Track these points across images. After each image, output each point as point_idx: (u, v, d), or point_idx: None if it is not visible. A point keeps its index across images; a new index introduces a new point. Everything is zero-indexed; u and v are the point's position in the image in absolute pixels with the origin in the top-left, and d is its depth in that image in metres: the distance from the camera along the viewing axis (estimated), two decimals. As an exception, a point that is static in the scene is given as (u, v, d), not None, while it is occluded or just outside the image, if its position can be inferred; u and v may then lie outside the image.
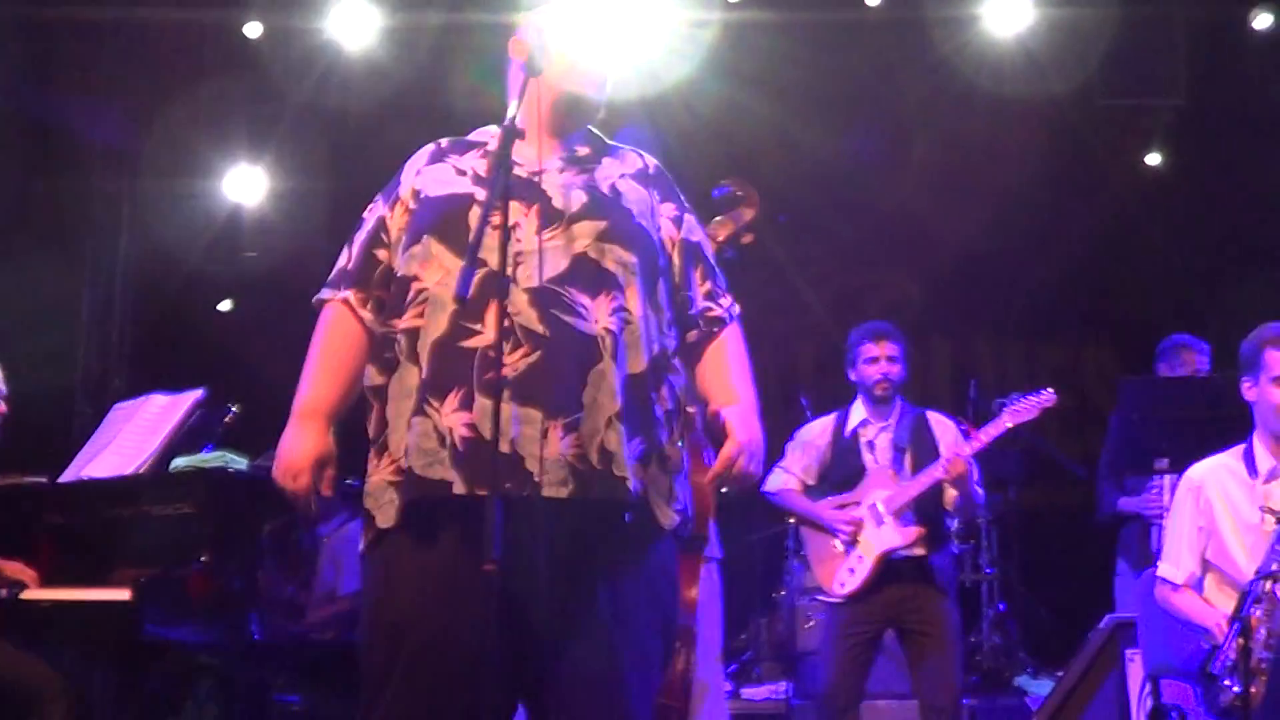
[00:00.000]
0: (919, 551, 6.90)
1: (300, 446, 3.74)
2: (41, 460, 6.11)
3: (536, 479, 3.43)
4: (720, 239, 5.60)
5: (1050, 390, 6.91)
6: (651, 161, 4.02)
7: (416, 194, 3.82)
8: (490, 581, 3.18)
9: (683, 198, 4.03)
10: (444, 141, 3.97)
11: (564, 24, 3.94)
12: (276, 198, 10.39)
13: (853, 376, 7.25)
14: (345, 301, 3.83)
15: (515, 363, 3.48)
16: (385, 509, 3.57)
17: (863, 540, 6.94)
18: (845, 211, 11.16)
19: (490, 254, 3.48)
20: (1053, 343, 11.99)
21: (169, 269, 10.37)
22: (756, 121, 10.11)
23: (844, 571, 6.98)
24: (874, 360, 7.14)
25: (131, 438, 5.71)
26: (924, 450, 6.98)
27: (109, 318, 10.58)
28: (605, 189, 3.81)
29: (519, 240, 3.57)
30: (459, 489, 3.44)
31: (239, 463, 5.55)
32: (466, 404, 3.47)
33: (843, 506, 7.03)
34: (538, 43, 3.73)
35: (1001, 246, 11.18)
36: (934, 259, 11.48)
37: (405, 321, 3.63)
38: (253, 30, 9.52)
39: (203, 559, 5.12)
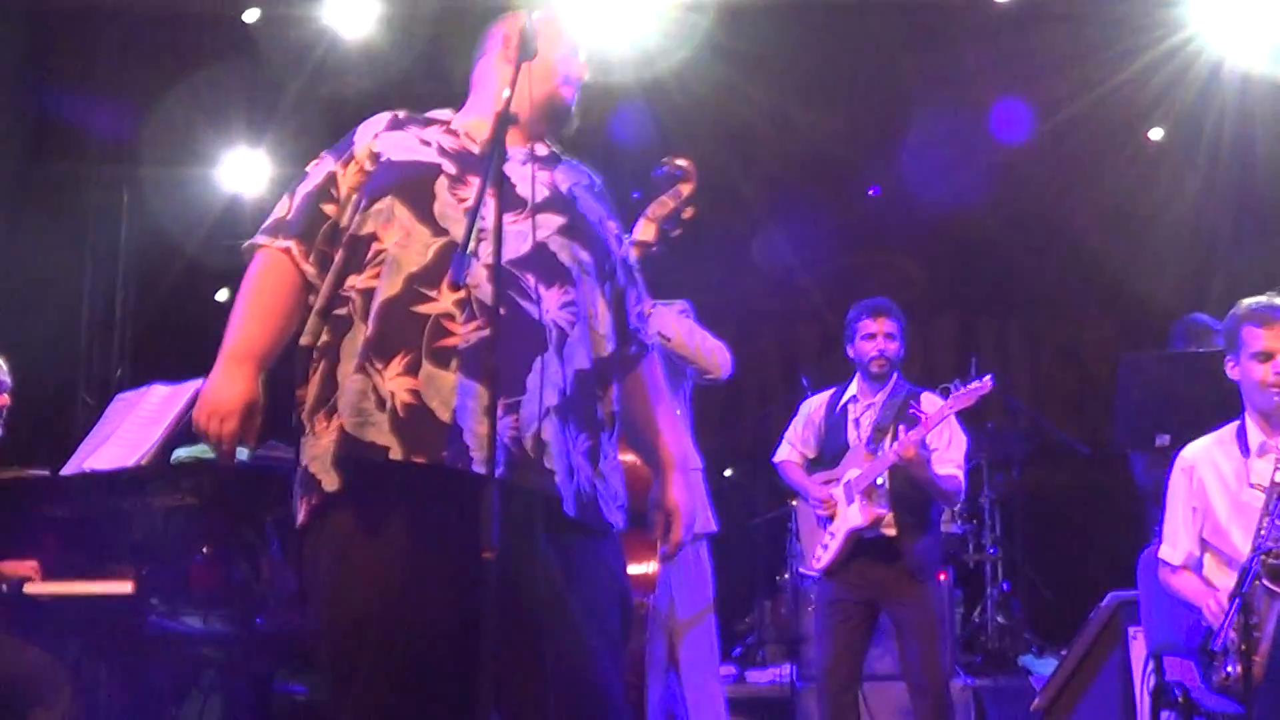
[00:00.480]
0: (888, 533, 6.90)
1: (230, 389, 3.62)
2: (46, 452, 6.12)
3: (471, 454, 3.43)
4: (661, 218, 5.65)
5: (989, 377, 6.91)
6: (596, 178, 4.07)
7: (375, 156, 3.80)
8: (488, 569, 3.17)
9: (618, 218, 4.09)
10: (401, 113, 3.97)
11: (552, 25, 3.98)
12: (276, 185, 10.39)
13: (851, 353, 7.26)
14: (287, 251, 3.75)
15: (467, 334, 3.48)
16: (330, 473, 3.51)
17: (836, 516, 6.98)
18: (844, 192, 11.15)
19: (455, 226, 3.54)
20: (1054, 320, 11.99)
21: (170, 257, 10.37)
22: (754, 103, 10.10)
23: (819, 546, 7.02)
24: (871, 336, 7.13)
25: (133, 429, 5.71)
26: (907, 428, 6.97)
27: (111, 307, 10.61)
28: (564, 190, 3.86)
29: (483, 217, 3.55)
30: (395, 454, 3.42)
31: (240, 453, 5.54)
32: (411, 369, 3.46)
33: (827, 483, 7.06)
34: (530, 34, 3.73)
35: (1002, 224, 11.18)
36: (935, 238, 11.49)
37: (362, 281, 3.61)
38: (251, 16, 9.50)
39: (205, 550, 5.13)
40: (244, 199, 10.53)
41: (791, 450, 7.34)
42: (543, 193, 3.78)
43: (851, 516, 6.90)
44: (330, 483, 3.51)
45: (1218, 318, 7.49)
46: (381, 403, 3.45)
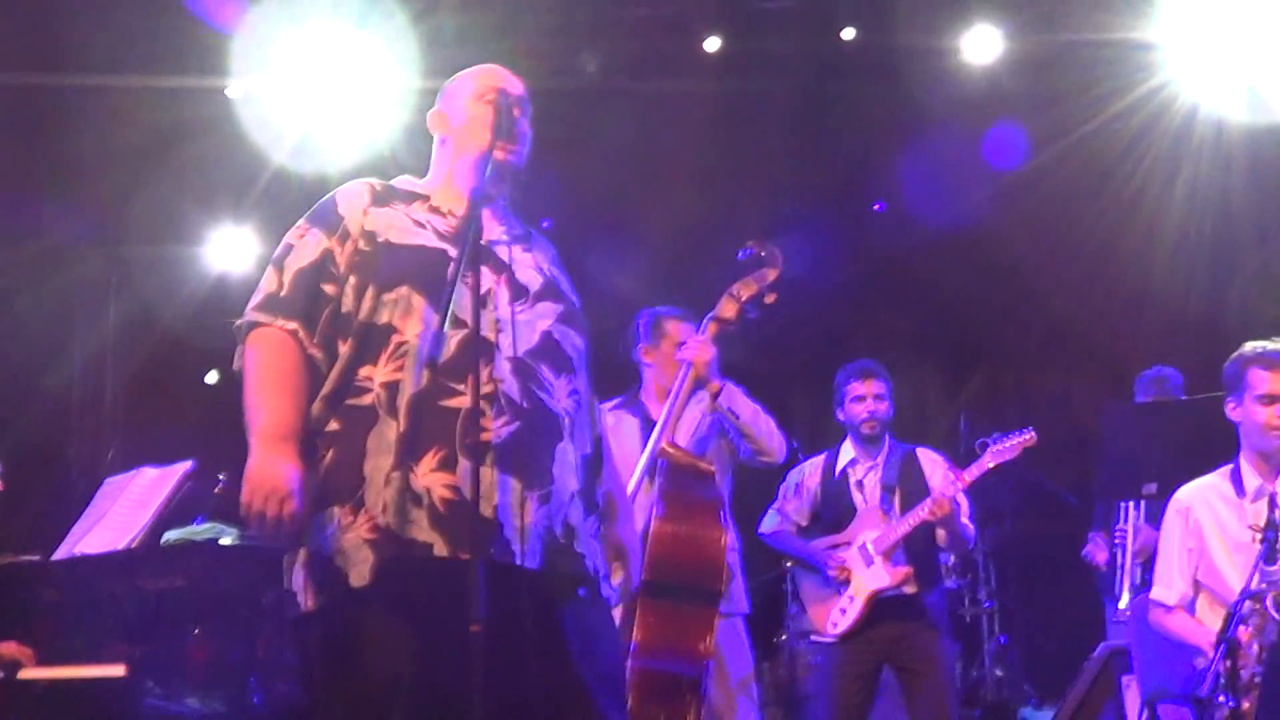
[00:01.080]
0: (909, 590, 6.93)
1: (281, 469, 3.54)
2: (38, 536, 6.12)
3: (513, 547, 3.47)
4: (744, 299, 5.72)
5: (1031, 430, 6.95)
6: (554, 249, 4.12)
7: (372, 235, 3.78)
8: (475, 641, 3.21)
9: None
10: (376, 183, 3.97)
11: (471, 93, 4.02)
12: (264, 262, 10.40)
13: (841, 416, 7.29)
14: (292, 334, 3.71)
15: (499, 429, 3.52)
16: (359, 567, 3.49)
17: (854, 580, 6.97)
18: (831, 251, 11.19)
19: (470, 315, 3.52)
20: (1043, 374, 12.00)
21: (159, 337, 10.38)
22: (734, 168, 10.15)
23: (836, 612, 7.01)
24: (860, 399, 7.17)
25: (123, 512, 5.72)
26: (913, 488, 7.00)
27: (100, 389, 10.61)
28: (548, 273, 3.91)
29: (496, 308, 3.61)
30: (440, 551, 3.44)
31: (230, 534, 5.56)
32: (447, 465, 3.48)
33: (834, 547, 7.07)
34: (456, 114, 3.93)
35: (988, 275, 11.20)
36: (920, 291, 11.52)
37: (384, 373, 3.61)
38: (235, 91, 9.53)
39: (197, 631, 5.14)
40: (231, 276, 10.54)
41: (783, 520, 7.36)
42: (538, 280, 3.83)
43: (875, 578, 6.91)
44: (359, 577, 3.49)
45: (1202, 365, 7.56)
46: (418, 499, 3.46)
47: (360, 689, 3.48)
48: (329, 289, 3.74)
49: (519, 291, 3.75)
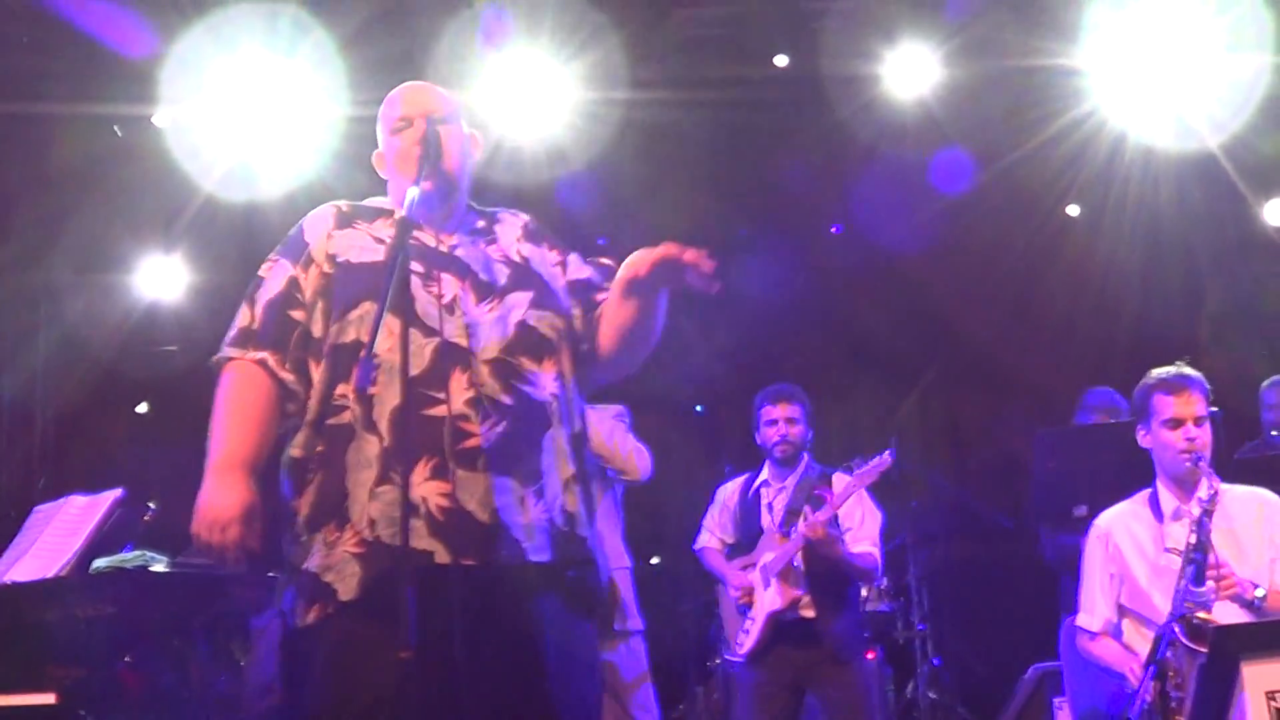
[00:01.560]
0: (806, 614, 6.95)
1: (224, 498, 3.61)
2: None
3: (523, 545, 3.53)
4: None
5: (889, 452, 7.00)
6: (527, 217, 4.14)
7: (333, 258, 3.84)
8: (410, 666, 3.23)
9: (557, 241, 4.13)
10: (343, 205, 4.03)
11: (388, 127, 4.07)
12: (193, 291, 10.37)
13: (758, 439, 7.36)
14: (261, 363, 3.77)
15: (487, 433, 3.56)
16: (348, 582, 3.53)
17: (755, 601, 7.02)
18: (762, 277, 11.22)
19: (440, 324, 3.62)
20: (974, 397, 12.07)
21: (87, 365, 10.31)
22: (664, 195, 10.17)
23: (740, 632, 7.08)
24: (773, 423, 7.26)
25: (52, 540, 5.68)
26: (814, 511, 7.03)
27: (29, 418, 10.51)
28: (516, 258, 3.92)
29: (465, 312, 3.66)
30: (442, 558, 3.48)
31: (159, 561, 5.55)
32: (440, 473, 3.52)
33: (745, 567, 7.12)
34: (385, 148, 4.01)
35: (921, 302, 11.27)
36: (854, 318, 11.58)
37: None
38: (162, 120, 9.48)
39: (127, 659, 5.11)
40: (161, 305, 10.48)
41: (710, 537, 7.43)
42: (504, 271, 3.85)
43: (769, 600, 6.96)
44: (347, 591, 3.53)
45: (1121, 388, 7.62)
46: (414, 509, 3.47)
47: (349, 701, 3.52)
48: (297, 315, 3.82)
49: (485, 290, 3.78)
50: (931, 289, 11.04)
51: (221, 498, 3.60)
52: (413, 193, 3.68)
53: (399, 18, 9.14)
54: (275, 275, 3.90)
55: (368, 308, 3.66)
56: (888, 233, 10.83)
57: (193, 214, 9.86)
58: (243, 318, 3.87)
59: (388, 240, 3.84)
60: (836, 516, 6.92)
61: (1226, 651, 4.70)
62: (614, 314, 3.89)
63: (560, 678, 3.62)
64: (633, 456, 6.48)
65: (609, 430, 6.41)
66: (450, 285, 3.71)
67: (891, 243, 10.89)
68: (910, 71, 9.49)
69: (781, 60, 9.80)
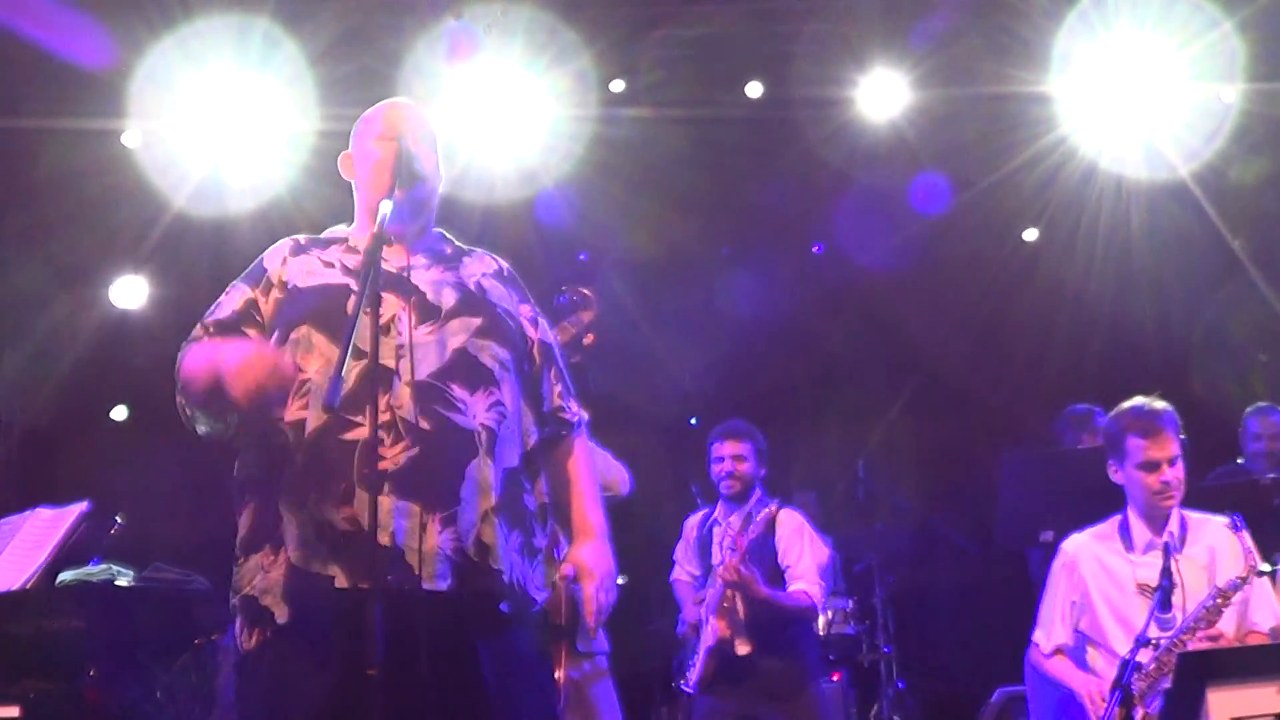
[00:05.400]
0: (742, 650, 6.98)
1: (253, 344, 3.59)
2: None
3: (416, 572, 3.48)
4: (565, 340, 5.75)
5: (775, 503, 7.14)
6: (504, 264, 4.14)
7: (285, 283, 3.85)
8: (374, 684, 3.21)
9: (532, 300, 4.14)
10: (301, 238, 4.04)
11: (370, 137, 4.06)
12: (159, 305, 10.32)
13: (710, 474, 7.39)
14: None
15: (395, 456, 3.53)
16: (281, 605, 3.55)
17: (702, 635, 7.08)
18: (728, 300, 11.24)
19: (368, 346, 3.54)
20: (942, 420, 12.07)
21: (56, 379, 10.26)
22: (635, 213, 10.18)
23: (689, 665, 7.12)
24: (721, 459, 7.35)
25: (17, 553, 5.66)
26: (761, 548, 7.06)
27: (-6, 431, 10.46)
28: (473, 286, 3.90)
29: (399, 334, 3.63)
30: (341, 582, 3.47)
31: (126, 574, 5.53)
32: (346, 497, 3.50)
33: (699, 602, 7.19)
34: (360, 158, 4.00)
35: (890, 329, 11.29)
36: (818, 341, 11.59)
37: (292, 413, 3.65)
38: (131, 139, 9.46)
39: (92, 672, 5.09)
40: (131, 318, 10.43)
41: (680, 570, 7.52)
42: (453, 296, 3.83)
43: (706, 635, 7.04)
44: (281, 615, 3.55)
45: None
46: (321, 533, 3.49)
47: None
48: (251, 333, 3.81)
49: (428, 313, 3.75)
50: (901, 311, 11.05)
51: (250, 345, 3.57)
52: (386, 206, 3.68)
53: (370, 33, 9.15)
54: (231, 296, 3.92)
55: (304, 330, 3.69)
56: (859, 254, 10.86)
57: (163, 229, 9.83)
58: (194, 333, 3.85)
59: (337, 264, 3.87)
60: (756, 555, 6.96)
61: (1192, 678, 4.71)
62: (555, 490, 3.98)
63: (502, 696, 3.60)
64: (614, 472, 6.48)
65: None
66: (391, 305, 3.69)
67: (862, 264, 10.92)
68: (882, 96, 9.53)
69: (755, 89, 9.83)
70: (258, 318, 3.84)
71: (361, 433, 3.52)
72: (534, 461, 3.88)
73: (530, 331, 4.03)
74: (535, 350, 4.03)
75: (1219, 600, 5.24)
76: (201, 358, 3.54)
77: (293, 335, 3.71)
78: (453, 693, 3.53)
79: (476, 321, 3.81)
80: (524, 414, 3.87)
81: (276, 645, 3.58)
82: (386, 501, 3.49)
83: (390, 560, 3.46)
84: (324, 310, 3.71)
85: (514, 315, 3.98)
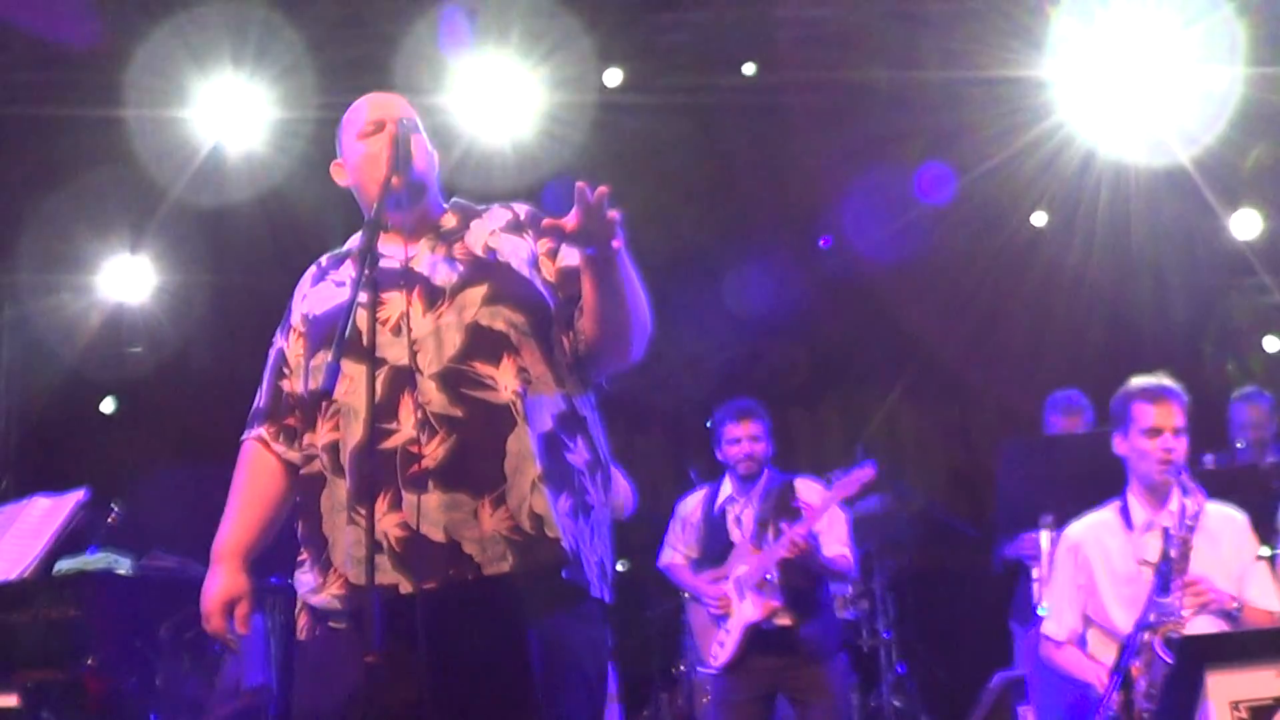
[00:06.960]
0: (784, 622, 7.01)
1: (211, 590, 3.79)
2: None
3: (477, 560, 3.48)
4: None
5: (871, 464, 7.05)
6: (521, 209, 4.04)
7: (305, 317, 3.88)
8: (376, 671, 3.22)
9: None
10: (323, 260, 4.04)
11: (355, 134, 4.03)
12: (159, 292, 10.32)
13: (720, 456, 7.38)
14: (259, 439, 3.89)
15: (434, 452, 3.53)
16: (338, 617, 3.63)
17: (731, 613, 7.08)
18: (728, 287, 11.23)
19: (387, 350, 3.58)
20: (941, 406, 12.06)
21: (52, 366, 10.26)
22: (634, 201, 10.15)
23: (715, 644, 7.12)
24: (737, 441, 7.30)
25: (15, 542, 5.66)
26: (788, 520, 7.07)
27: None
28: (480, 252, 3.84)
29: (412, 329, 3.61)
30: (406, 589, 3.48)
31: (123, 563, 5.53)
32: (395, 504, 3.51)
33: (717, 580, 7.15)
34: (349, 158, 3.99)
35: (888, 308, 11.27)
36: (819, 323, 11.58)
37: (323, 436, 3.68)
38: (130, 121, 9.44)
39: (90, 661, 5.09)
40: (127, 306, 10.42)
41: (675, 553, 7.47)
42: (457, 270, 3.77)
43: (746, 611, 7.00)
44: (336, 624, 3.63)
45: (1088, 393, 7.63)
46: (379, 546, 3.45)
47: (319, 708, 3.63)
48: (285, 385, 3.91)
49: (434, 296, 3.70)
50: (899, 298, 11.03)
51: (209, 589, 3.81)
52: (394, 184, 3.69)
53: (367, 21, 9.13)
54: (273, 351, 4.00)
55: (323, 356, 3.69)
56: (858, 241, 10.85)
57: (160, 216, 9.83)
58: (257, 397, 3.99)
59: (347, 280, 3.85)
60: (811, 528, 6.96)
61: (1192, 660, 4.71)
62: (585, 298, 3.77)
63: (548, 690, 3.57)
64: (619, 491, 6.50)
65: None
66: (396, 304, 3.67)
67: (861, 251, 10.91)
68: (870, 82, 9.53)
69: (749, 69, 9.81)
70: (285, 368, 3.92)
71: (397, 439, 3.54)
72: (571, 419, 3.77)
73: (548, 270, 3.89)
74: (558, 281, 3.87)
75: (1183, 544, 5.24)
76: (228, 505, 3.89)
77: (314, 363, 3.77)
78: (499, 684, 3.54)
79: (484, 289, 3.72)
80: (551, 373, 3.75)
81: (325, 640, 3.68)
82: (434, 498, 3.50)
83: (448, 555, 3.48)
84: (338, 331, 3.61)
85: (529, 265, 3.86)
